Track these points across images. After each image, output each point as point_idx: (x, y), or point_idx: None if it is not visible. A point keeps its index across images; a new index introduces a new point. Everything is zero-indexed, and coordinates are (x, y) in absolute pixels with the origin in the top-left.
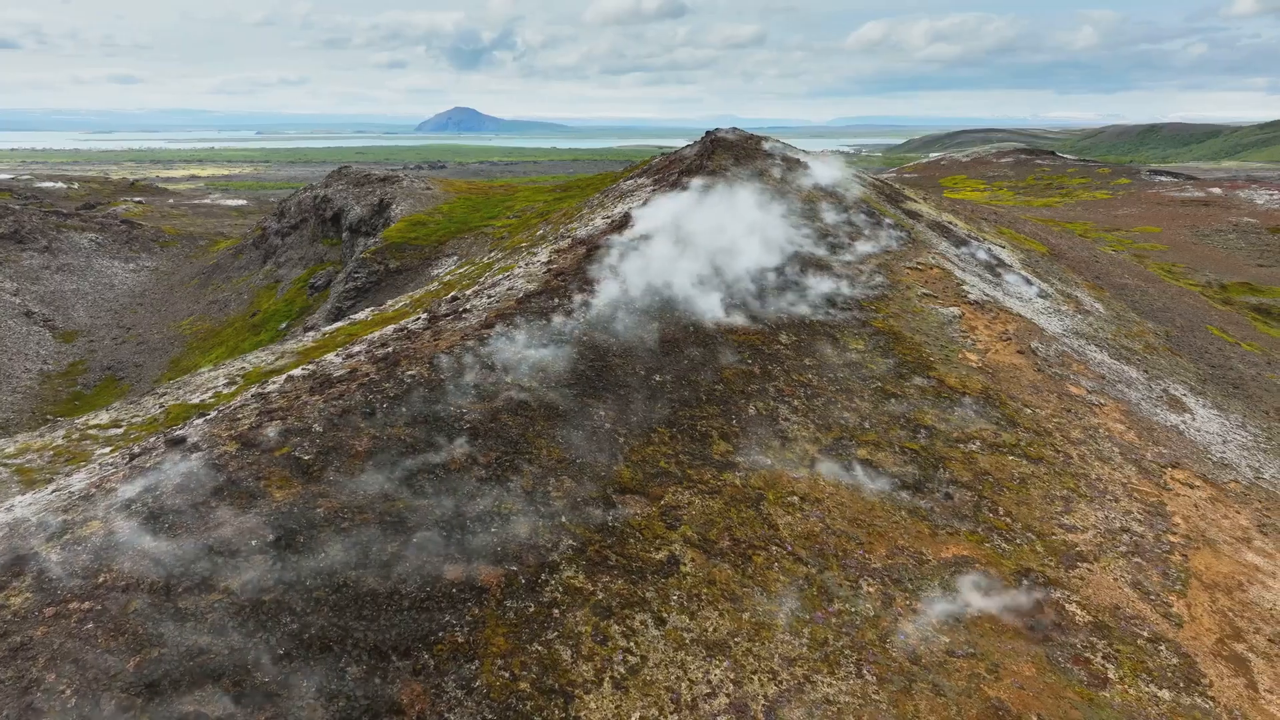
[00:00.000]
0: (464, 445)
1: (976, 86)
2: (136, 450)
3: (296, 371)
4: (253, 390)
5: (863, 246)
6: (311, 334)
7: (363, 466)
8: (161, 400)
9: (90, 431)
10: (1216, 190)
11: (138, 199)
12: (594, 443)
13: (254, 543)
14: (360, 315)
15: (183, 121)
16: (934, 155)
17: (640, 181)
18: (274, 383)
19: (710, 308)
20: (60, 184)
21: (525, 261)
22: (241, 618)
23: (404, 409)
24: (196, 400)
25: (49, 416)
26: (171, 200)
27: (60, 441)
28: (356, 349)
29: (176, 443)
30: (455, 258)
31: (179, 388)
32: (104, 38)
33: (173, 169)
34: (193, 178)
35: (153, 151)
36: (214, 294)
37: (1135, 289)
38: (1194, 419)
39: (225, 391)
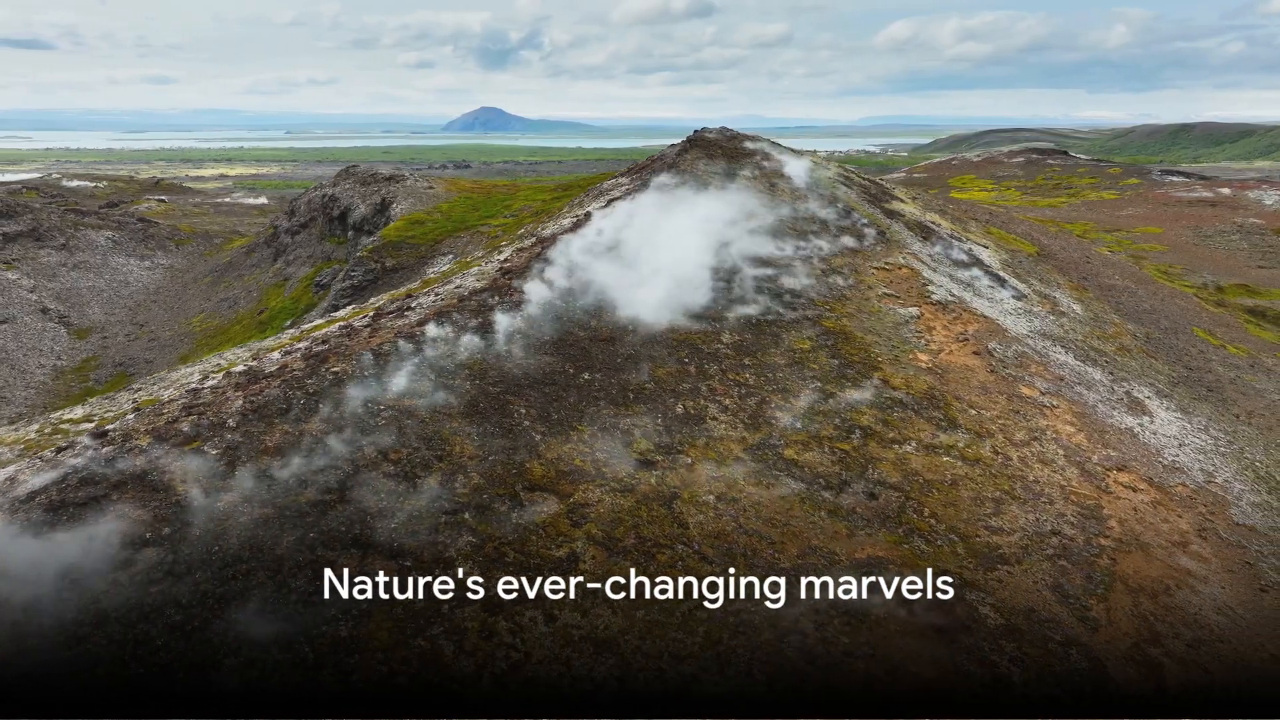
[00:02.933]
0: (375, 441)
1: (1007, 85)
2: (64, 444)
3: (237, 367)
4: (191, 385)
5: (828, 246)
6: (291, 330)
7: (270, 463)
8: (135, 395)
9: (63, 426)
10: (1226, 191)
11: (161, 197)
12: (510, 440)
13: (147, 535)
14: (340, 313)
15: (214, 121)
16: (946, 155)
17: (619, 180)
18: (214, 378)
19: (651, 307)
20: (87, 183)
21: (487, 260)
22: (121, 608)
23: (320, 405)
24: (168, 395)
25: None
26: (195, 199)
27: (33, 435)
28: (300, 345)
29: (99, 436)
30: (451, 256)
31: (154, 383)
32: (138, 39)
33: (203, 168)
34: (221, 176)
35: (184, 151)
36: (225, 291)
37: (1123, 290)
38: (1152, 421)
39: (198, 387)
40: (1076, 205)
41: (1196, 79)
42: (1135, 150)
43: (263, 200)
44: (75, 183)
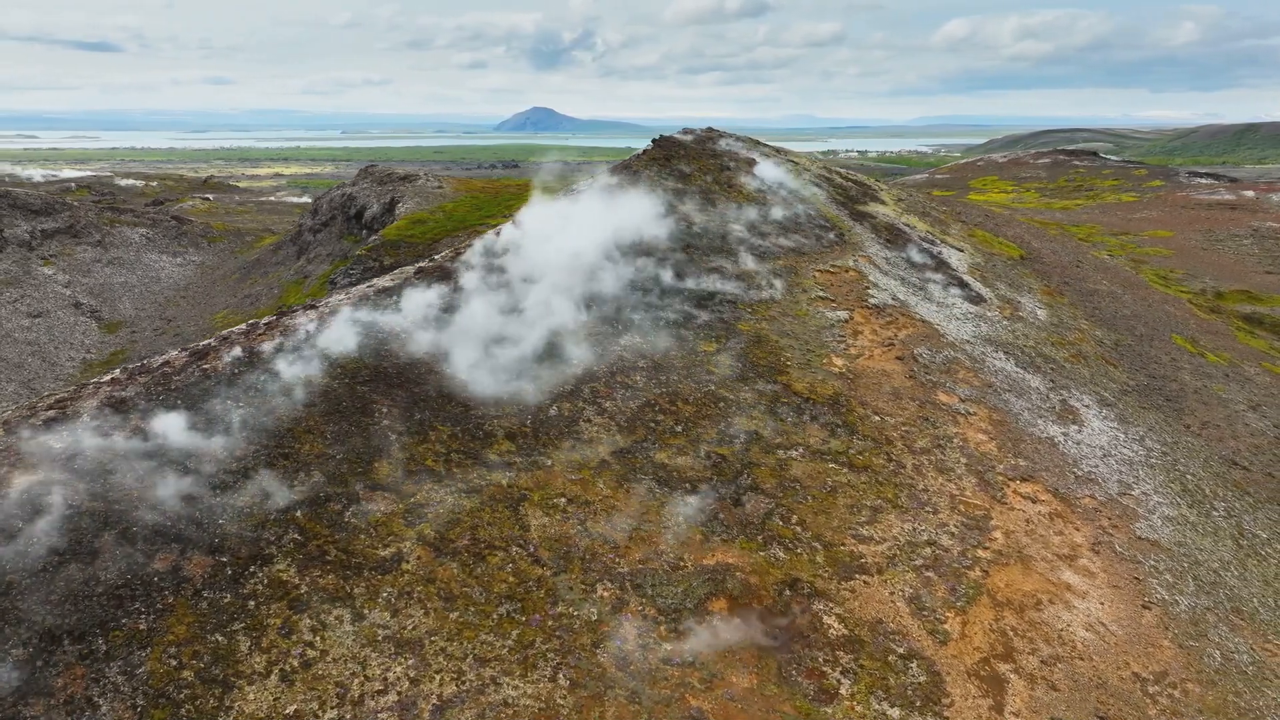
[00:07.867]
0: (223, 438)
1: (1066, 85)
2: None
3: (135, 362)
4: (97, 377)
5: (774, 248)
6: None
7: (113, 455)
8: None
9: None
10: (1249, 193)
11: (206, 195)
12: (363, 439)
13: None
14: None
15: (272, 121)
16: (974, 157)
17: (588, 182)
18: (115, 371)
19: (551, 306)
20: (139, 181)
21: (421, 261)
22: None
23: (179, 400)
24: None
25: None
26: (239, 197)
27: None
28: (207, 340)
29: None
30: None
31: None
32: (200, 40)
33: (259, 166)
34: (277, 175)
35: (242, 150)
36: (249, 288)
37: (1107, 295)
38: (1080, 431)
39: (87, 381)
40: (1091, 208)
41: (1268, 77)
42: (1197, 151)
43: (306, 199)
44: (127, 181)
